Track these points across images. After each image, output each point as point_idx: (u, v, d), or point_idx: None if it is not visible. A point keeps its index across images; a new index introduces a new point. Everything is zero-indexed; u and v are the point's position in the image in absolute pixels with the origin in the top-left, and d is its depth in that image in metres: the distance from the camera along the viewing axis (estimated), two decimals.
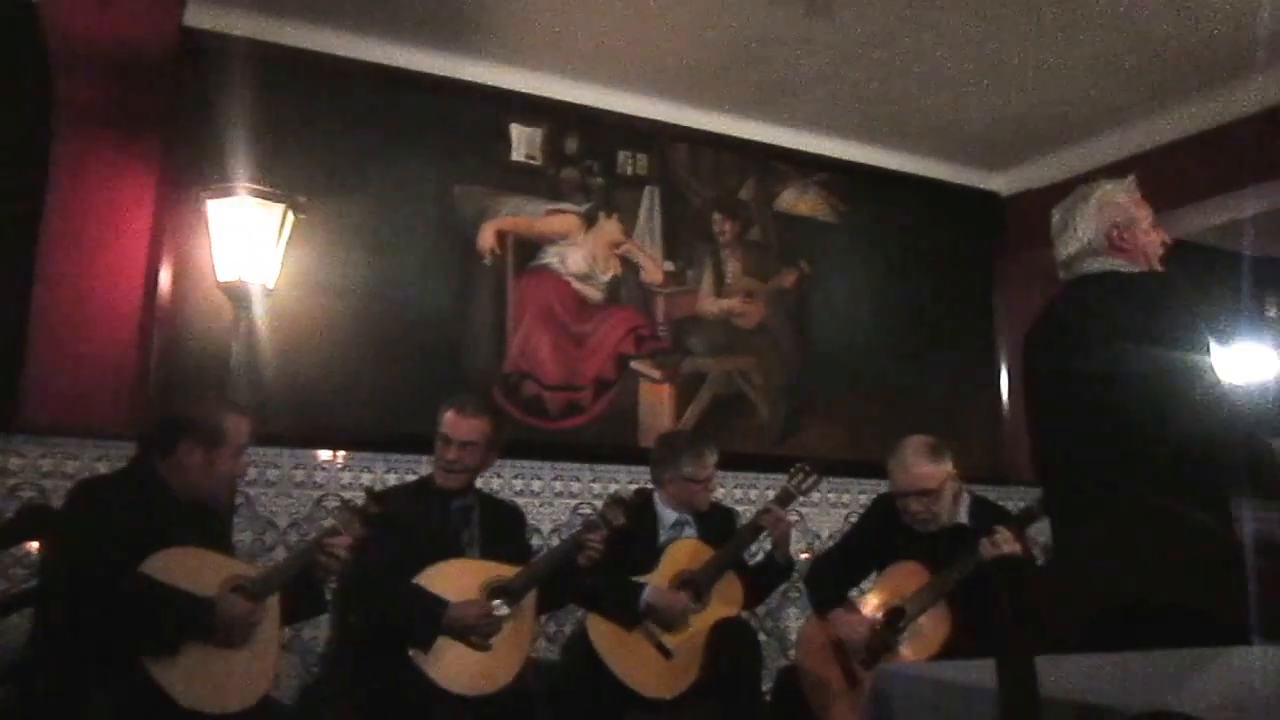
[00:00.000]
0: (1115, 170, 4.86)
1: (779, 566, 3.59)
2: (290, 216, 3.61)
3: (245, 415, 2.76)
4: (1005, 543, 3.10)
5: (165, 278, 3.68)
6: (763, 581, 3.61)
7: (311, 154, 3.97)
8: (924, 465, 3.33)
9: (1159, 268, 2.63)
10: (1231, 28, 3.84)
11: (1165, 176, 4.67)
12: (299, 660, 3.62)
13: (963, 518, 3.40)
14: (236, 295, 3.56)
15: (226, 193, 3.54)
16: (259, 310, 3.71)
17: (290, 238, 3.64)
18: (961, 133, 4.87)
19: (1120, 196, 2.65)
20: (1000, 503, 3.68)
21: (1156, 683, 1.55)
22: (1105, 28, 3.87)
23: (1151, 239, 2.64)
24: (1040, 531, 4.05)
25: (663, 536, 3.54)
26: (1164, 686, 1.51)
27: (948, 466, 3.36)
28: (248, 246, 3.52)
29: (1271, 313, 5.87)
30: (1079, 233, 2.64)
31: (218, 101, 3.82)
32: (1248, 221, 4.98)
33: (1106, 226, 2.61)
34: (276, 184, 3.66)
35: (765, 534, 3.56)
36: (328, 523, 2.87)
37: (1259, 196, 4.53)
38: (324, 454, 3.83)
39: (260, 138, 3.84)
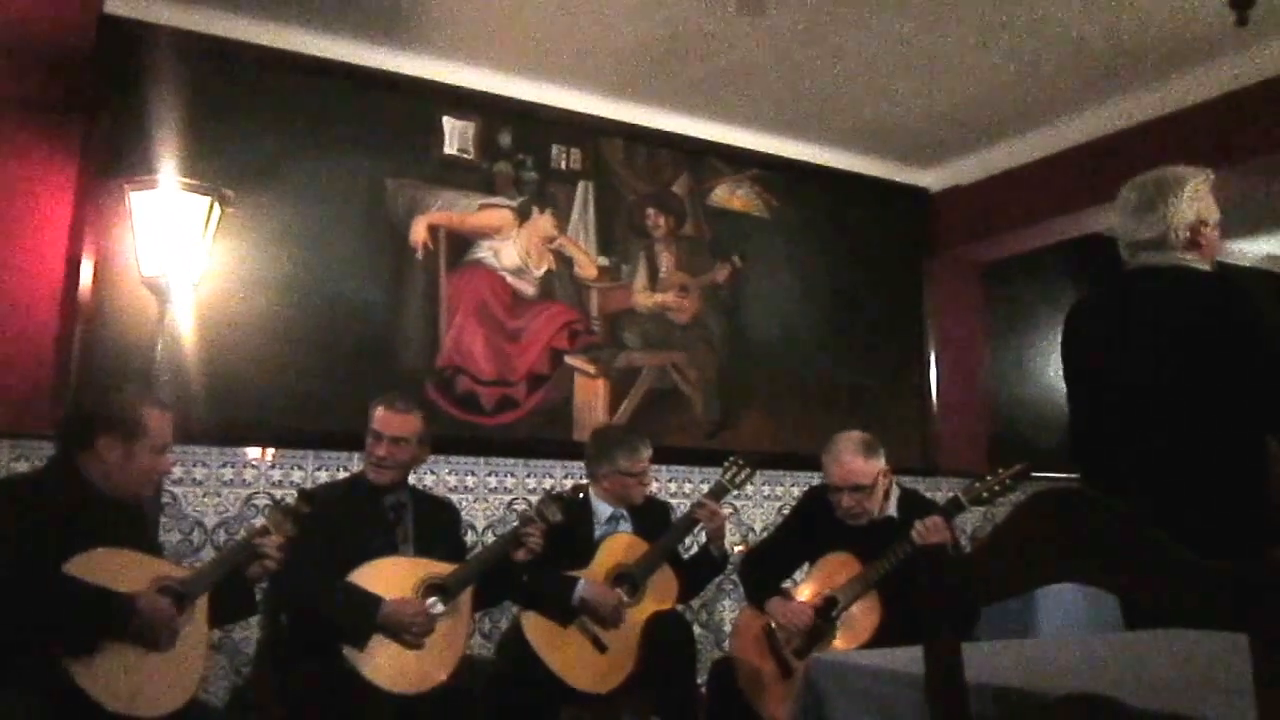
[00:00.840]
0: (1041, 167, 5.01)
1: (714, 559, 3.62)
2: (217, 209, 3.54)
3: (167, 410, 2.70)
4: (934, 532, 3.16)
5: (87, 272, 3.59)
6: (698, 574, 3.64)
7: (240, 146, 3.90)
8: (858, 461, 3.38)
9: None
10: (1150, 32, 3.95)
11: (1089, 172, 4.80)
12: (228, 661, 3.57)
13: (892, 510, 3.45)
14: (161, 289, 3.49)
15: (151, 184, 3.46)
16: (184, 305, 3.65)
17: (217, 231, 3.57)
18: (891, 129, 4.94)
19: (1210, 192, 2.55)
20: (928, 494, 3.75)
21: (1079, 667, 1.59)
22: (1029, 30, 3.95)
23: (1219, 241, 2.56)
24: (967, 521, 4.14)
25: (598, 531, 3.55)
26: (1086, 670, 1.55)
27: (880, 463, 3.41)
28: (173, 240, 3.45)
29: None
30: (1167, 218, 2.49)
31: (143, 92, 3.74)
32: None
33: (1195, 220, 2.50)
34: (203, 176, 3.59)
35: (700, 527, 3.58)
36: (258, 522, 2.82)
37: None
38: (252, 452, 3.77)
39: (187, 129, 3.76)
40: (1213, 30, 3.82)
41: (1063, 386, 2.72)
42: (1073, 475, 3.27)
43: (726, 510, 3.78)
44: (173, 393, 3.47)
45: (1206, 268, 2.50)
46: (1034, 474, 3.41)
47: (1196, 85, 4.31)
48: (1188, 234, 2.49)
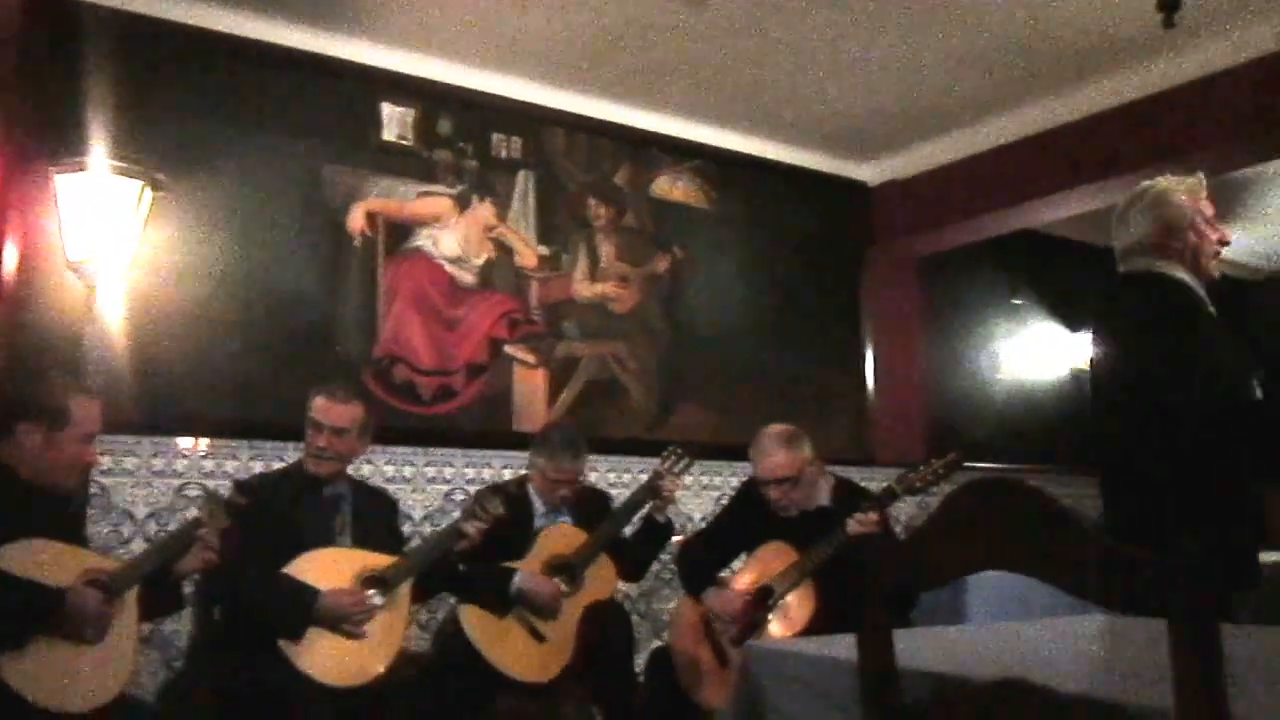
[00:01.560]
0: (975, 162, 5.10)
1: (660, 525, 3.62)
2: (149, 193, 3.47)
3: (93, 398, 2.65)
4: (868, 522, 3.21)
5: (11, 256, 3.48)
6: (647, 547, 3.64)
7: (173, 130, 3.81)
8: (780, 455, 3.42)
9: (1212, 270, 2.64)
10: (1081, 32, 4.03)
11: (1022, 169, 4.90)
12: (159, 655, 3.50)
13: (825, 500, 3.50)
14: (89, 275, 3.41)
15: (79, 167, 3.38)
16: (114, 291, 3.57)
17: (149, 216, 3.50)
18: (831, 123, 4.99)
19: (1178, 196, 2.65)
20: (865, 483, 3.80)
21: (1007, 653, 1.63)
22: (965, 27, 4.01)
23: (1206, 240, 2.63)
24: (901, 510, 4.21)
25: (537, 522, 3.54)
26: (1014, 656, 1.59)
27: (805, 454, 3.45)
28: (102, 224, 3.37)
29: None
30: (1131, 228, 2.66)
31: (72, 72, 3.63)
32: (1101, 213, 5.25)
33: (1158, 225, 2.61)
34: (135, 159, 3.51)
35: (647, 508, 3.58)
36: (192, 514, 2.78)
37: (1108, 190, 4.77)
38: (185, 442, 3.70)
39: (118, 111, 3.67)
40: (1142, 32, 3.91)
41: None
42: (1001, 465, 3.43)
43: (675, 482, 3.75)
44: (101, 380, 3.39)
45: (1178, 273, 2.60)
46: (966, 464, 3.47)
47: (1126, 85, 4.42)
48: (1155, 240, 2.61)
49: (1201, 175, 2.71)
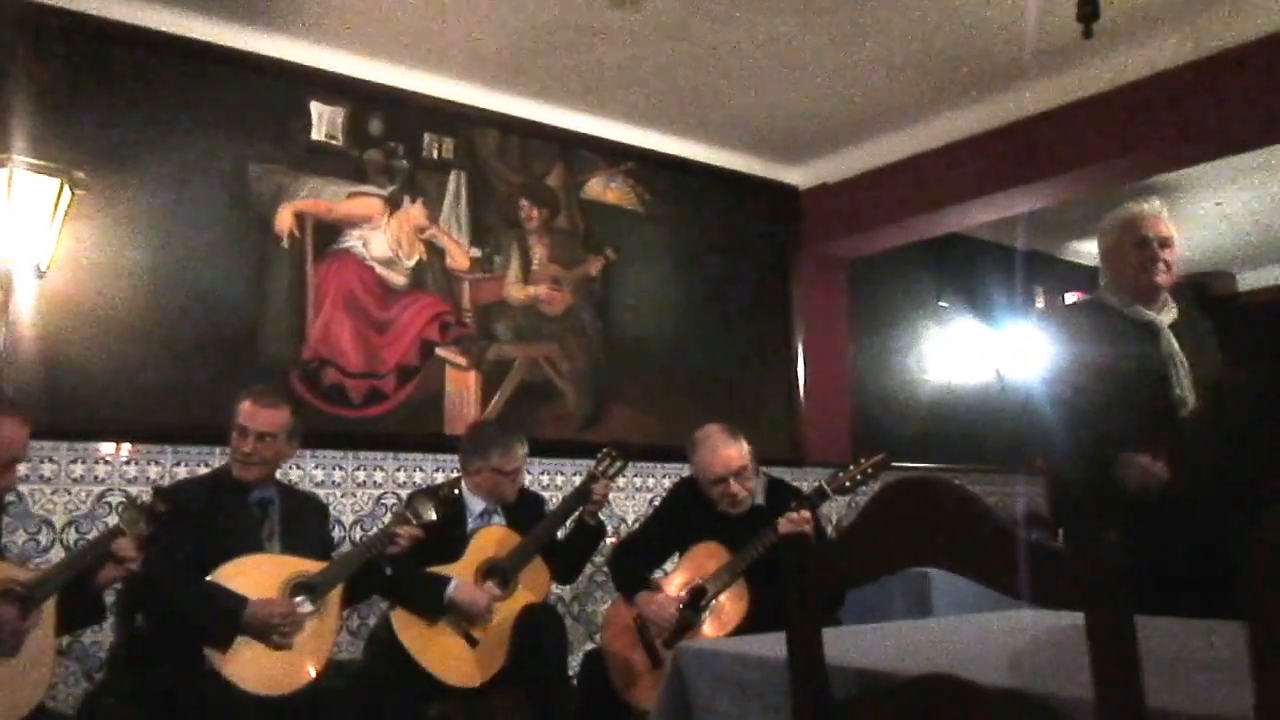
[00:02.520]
0: (902, 168, 5.18)
1: (592, 528, 3.62)
2: (68, 192, 3.38)
3: (17, 417, 2.55)
4: (800, 521, 3.25)
5: None
6: (580, 548, 3.64)
7: (94, 126, 3.71)
8: (732, 448, 3.47)
9: (1146, 283, 3.03)
10: (1004, 40, 4.12)
11: (947, 174, 4.99)
12: (78, 667, 3.41)
13: (760, 499, 3.54)
14: (4, 276, 3.31)
15: None
16: (30, 292, 3.46)
17: (68, 215, 3.41)
18: (761, 127, 5.03)
19: (1112, 227, 3.13)
20: (795, 483, 3.85)
21: (933, 648, 1.66)
22: (893, 34, 4.08)
23: (1129, 265, 3.05)
24: (832, 510, 4.26)
25: (470, 525, 3.52)
26: (940, 651, 1.62)
27: (746, 445, 3.52)
28: (18, 223, 3.27)
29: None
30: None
31: None
32: (1023, 217, 5.39)
33: (1100, 254, 3.17)
34: (53, 157, 3.42)
35: (580, 510, 3.58)
36: (113, 521, 2.70)
37: (1030, 195, 4.90)
38: (106, 447, 3.61)
39: (36, 107, 3.57)
40: (1063, 41, 4.01)
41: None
42: (927, 465, 3.71)
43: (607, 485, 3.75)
44: (15, 384, 3.29)
45: (1114, 296, 3.09)
46: (894, 464, 3.53)
47: (1048, 92, 4.52)
48: (1099, 268, 3.17)
49: (1149, 205, 3.12)
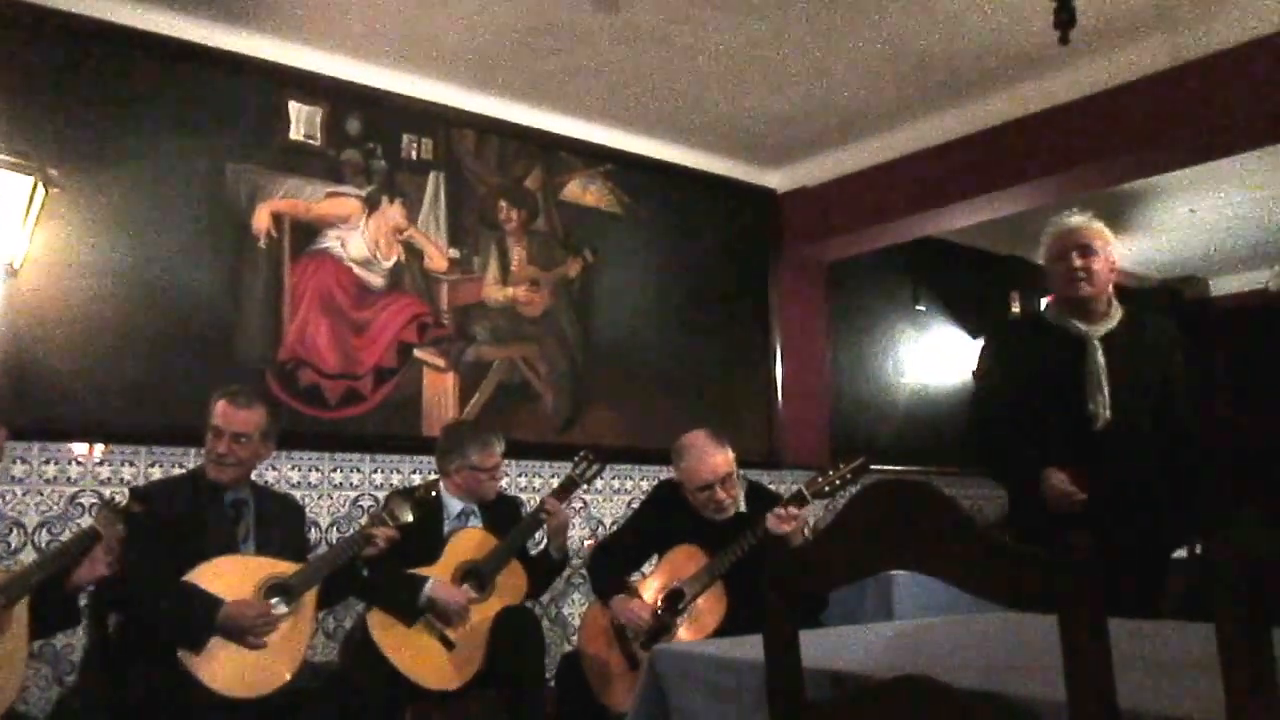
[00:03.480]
0: (880, 172, 5.21)
1: (553, 561, 3.62)
2: (41, 190, 3.34)
3: None
4: (788, 517, 3.24)
5: None
6: (538, 575, 3.63)
7: (69, 124, 3.67)
8: (720, 454, 3.46)
9: (1070, 293, 3.12)
10: (982, 45, 4.15)
11: (925, 178, 5.02)
12: (51, 671, 3.38)
13: (742, 506, 3.53)
14: None
15: None
16: (3, 292, 3.43)
17: (41, 214, 3.37)
18: (740, 130, 5.05)
19: (1044, 244, 3.22)
20: (773, 486, 3.85)
21: (907, 650, 1.67)
22: (871, 37, 4.10)
23: (1057, 279, 3.15)
24: (810, 514, 4.25)
25: (447, 526, 3.51)
26: (914, 653, 1.63)
27: (731, 451, 3.52)
28: None
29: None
30: None
31: None
32: (1000, 222, 5.41)
33: None
34: (27, 155, 3.38)
35: (544, 526, 3.58)
36: (87, 523, 2.67)
37: (1007, 200, 4.93)
38: (79, 447, 3.58)
39: (9, 104, 3.53)
40: (1039, 47, 4.05)
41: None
42: (903, 468, 3.83)
43: (576, 504, 3.79)
44: None
45: (1048, 311, 3.27)
46: (872, 467, 3.54)
47: (1024, 98, 4.56)
48: None
49: (1079, 219, 3.17)
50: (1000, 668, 1.48)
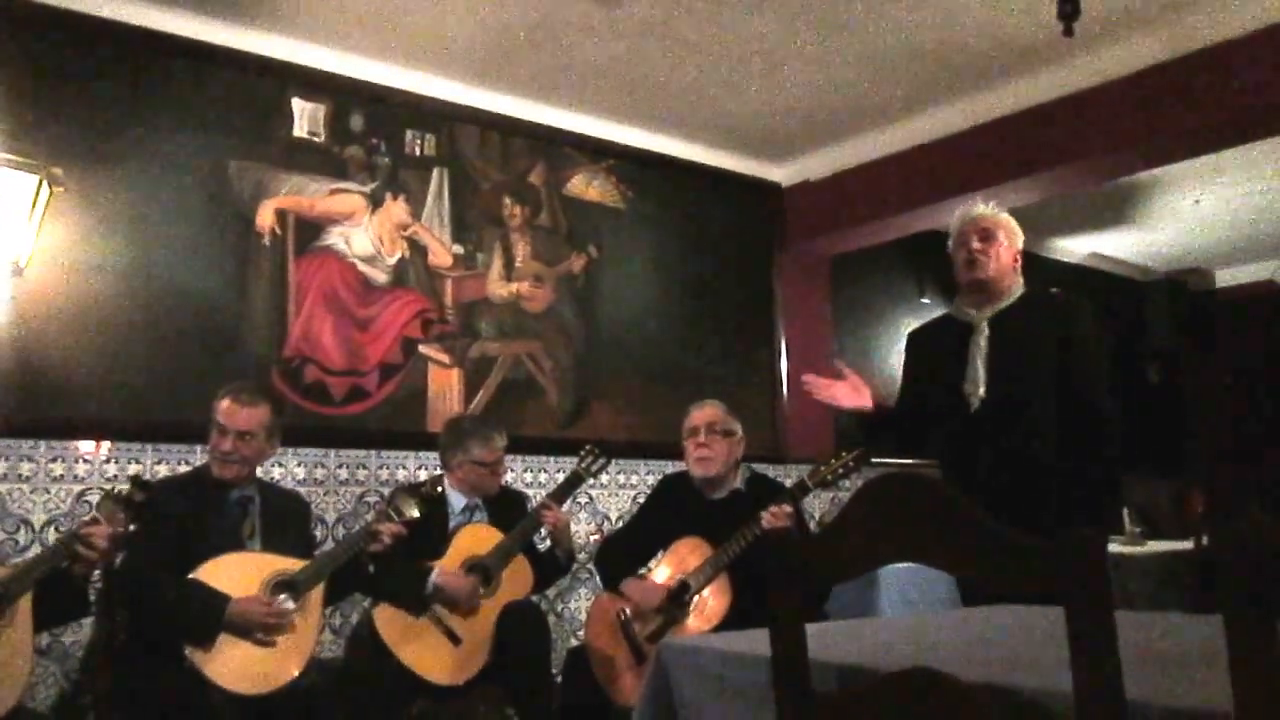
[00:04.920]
0: (884, 165, 5.20)
1: (558, 562, 3.64)
2: (46, 189, 3.35)
3: None
4: (782, 516, 3.26)
5: None
6: (544, 573, 3.64)
7: (73, 123, 3.67)
8: (709, 407, 3.66)
9: (972, 285, 3.16)
10: (985, 37, 4.14)
11: (931, 171, 5.01)
12: (58, 666, 3.39)
13: (740, 484, 3.57)
14: None
15: None
16: (9, 290, 3.44)
17: (47, 212, 3.38)
18: (744, 124, 5.04)
19: (951, 229, 3.25)
20: (777, 478, 3.86)
21: (915, 643, 1.67)
22: (874, 32, 4.09)
23: (958, 266, 3.20)
24: (815, 506, 4.26)
25: (453, 522, 3.52)
26: (920, 646, 1.63)
27: (738, 425, 3.64)
28: None
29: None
30: None
31: None
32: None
33: None
34: (31, 153, 3.39)
35: (545, 529, 3.58)
36: (89, 515, 2.67)
37: (1011, 192, 4.91)
38: (85, 445, 3.58)
39: (14, 103, 3.54)
40: (1043, 39, 4.04)
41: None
42: (908, 460, 3.91)
43: (582, 499, 3.80)
44: None
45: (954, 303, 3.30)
46: (875, 459, 3.55)
47: (1027, 91, 4.55)
48: None
49: (984, 207, 3.22)
50: (1006, 660, 1.48)
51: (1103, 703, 0.98)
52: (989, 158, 4.79)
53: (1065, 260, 7.10)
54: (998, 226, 3.14)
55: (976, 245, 3.11)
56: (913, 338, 3.49)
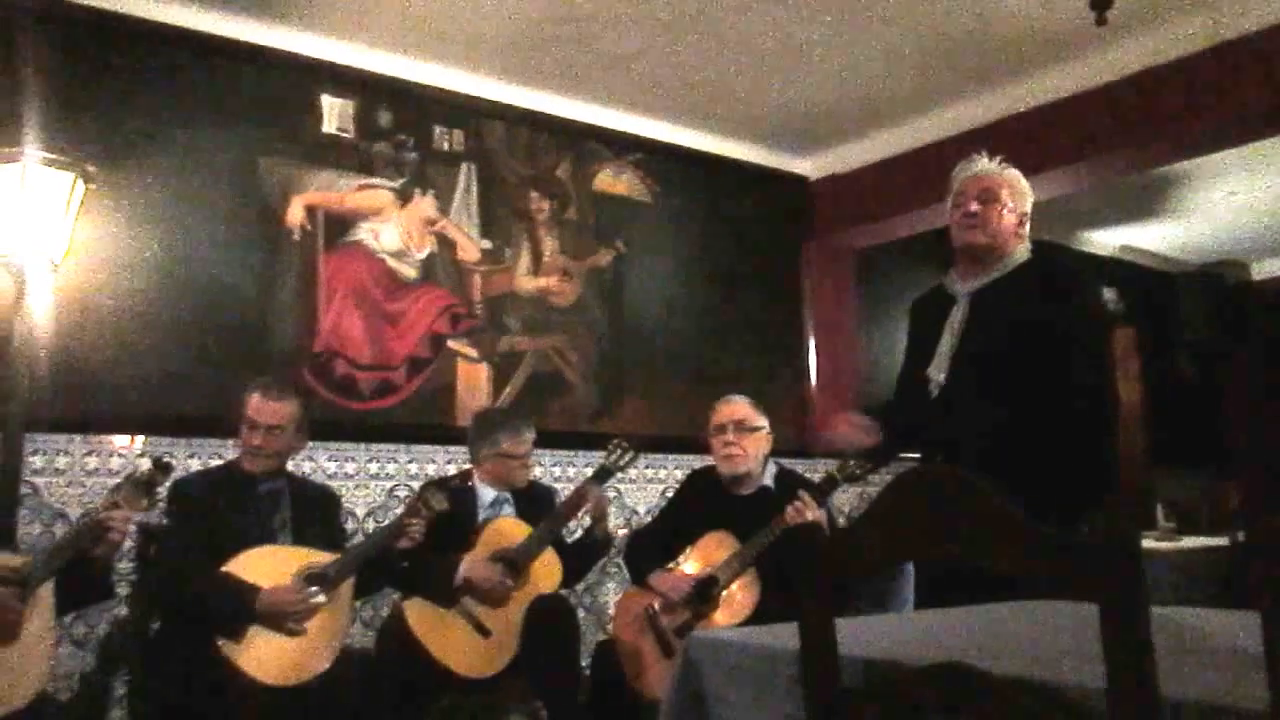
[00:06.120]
0: (913, 157, 5.16)
1: (598, 542, 3.65)
2: (80, 186, 3.39)
3: None
4: (807, 509, 3.25)
5: None
6: (582, 558, 3.66)
7: (106, 121, 3.72)
8: (745, 405, 3.60)
9: (967, 249, 2.84)
10: (1016, 29, 4.10)
11: (956, 163, 4.95)
12: (88, 655, 3.43)
13: (768, 481, 3.55)
14: (18, 270, 3.32)
15: (8, 159, 3.28)
16: (44, 286, 3.48)
17: (80, 209, 3.42)
18: (771, 117, 5.02)
19: (950, 186, 2.92)
20: (805, 474, 3.85)
21: (945, 637, 1.66)
22: (903, 23, 4.06)
23: (955, 230, 2.86)
24: (844, 501, 4.24)
25: (481, 515, 3.53)
26: (950, 640, 1.62)
27: (765, 420, 3.61)
28: (32, 217, 3.28)
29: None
30: None
31: (2, 62, 3.52)
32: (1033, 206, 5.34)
33: None
34: (64, 151, 3.43)
35: (584, 510, 3.60)
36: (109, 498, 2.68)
37: (1041, 184, 4.86)
38: (119, 439, 3.63)
39: (49, 102, 3.58)
40: (1074, 29, 3.99)
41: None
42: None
43: (610, 493, 3.82)
44: (29, 378, 3.31)
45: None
46: (903, 454, 3.53)
47: (1058, 81, 4.50)
48: None
49: (974, 157, 2.92)
50: (1038, 655, 1.47)
51: (1137, 698, 0.97)
52: (1019, 149, 4.70)
53: (1098, 253, 7.02)
54: (1001, 186, 2.79)
55: (974, 207, 2.76)
56: (913, 309, 3.13)
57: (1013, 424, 2.57)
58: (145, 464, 2.75)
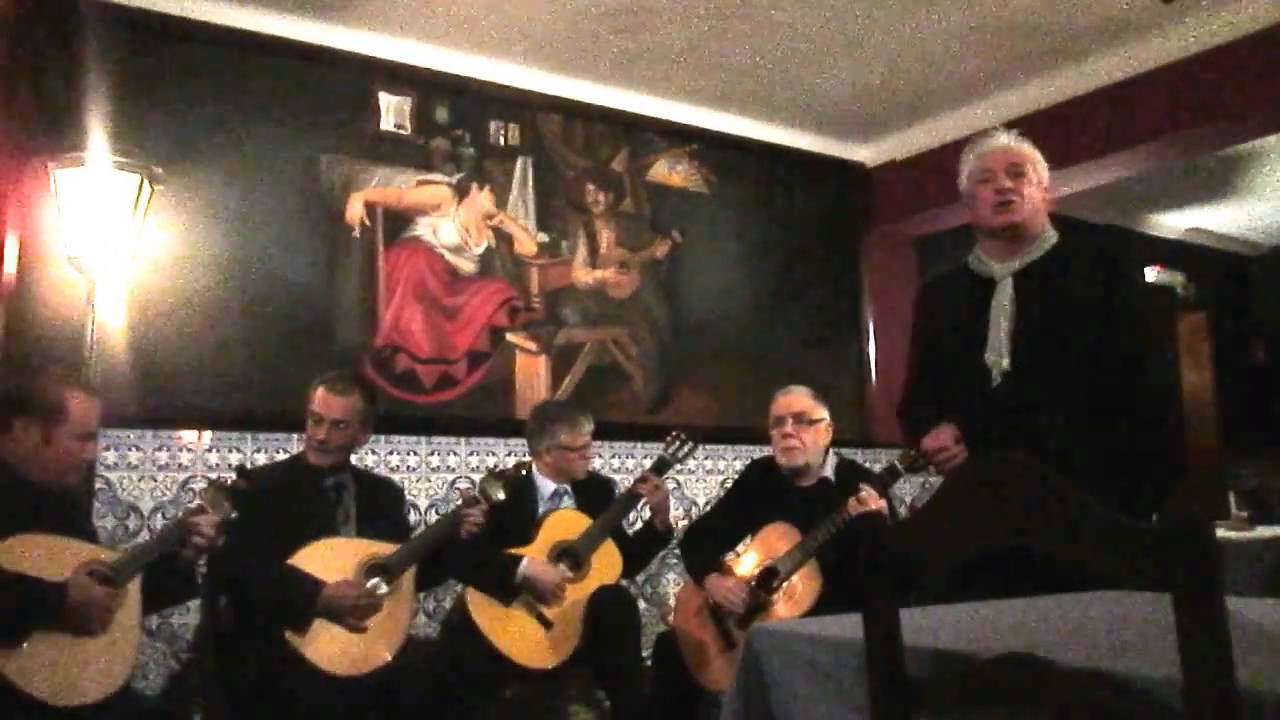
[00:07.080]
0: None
1: (658, 534, 3.65)
2: (147, 187, 3.46)
3: (93, 395, 2.64)
4: (870, 500, 3.22)
5: (11, 251, 3.48)
6: (642, 550, 3.67)
7: (171, 122, 3.80)
8: (804, 397, 3.58)
9: (990, 222, 2.63)
10: (1078, 8, 4.02)
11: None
12: (167, 648, 3.52)
13: (828, 473, 3.53)
14: (89, 270, 3.41)
15: (78, 162, 3.37)
16: (114, 285, 3.57)
17: (148, 209, 3.49)
18: (828, 104, 4.97)
19: (964, 176, 2.73)
20: (866, 464, 3.81)
21: (1012, 628, 1.64)
22: (962, 5, 4.00)
23: (983, 210, 2.65)
24: (906, 491, 4.20)
25: (541, 508, 3.55)
26: (1017, 631, 1.60)
27: (825, 411, 3.58)
28: (101, 218, 3.37)
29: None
30: None
31: (70, 65, 3.62)
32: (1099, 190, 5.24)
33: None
34: (133, 153, 3.51)
35: (643, 502, 3.61)
36: (194, 503, 2.78)
37: (1106, 167, 4.77)
38: (188, 435, 3.71)
39: (116, 104, 3.66)
40: (1140, 8, 3.90)
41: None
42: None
43: (670, 485, 3.81)
44: (103, 375, 3.40)
45: (971, 255, 2.74)
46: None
47: (1123, 62, 4.40)
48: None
49: (988, 140, 2.73)
50: (1108, 646, 1.44)
51: (1214, 691, 0.94)
52: (1083, 133, 4.64)
53: (1165, 236, 6.86)
54: (1026, 160, 2.65)
55: (1008, 183, 2.59)
56: (924, 294, 2.93)
57: (1093, 408, 2.44)
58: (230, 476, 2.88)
